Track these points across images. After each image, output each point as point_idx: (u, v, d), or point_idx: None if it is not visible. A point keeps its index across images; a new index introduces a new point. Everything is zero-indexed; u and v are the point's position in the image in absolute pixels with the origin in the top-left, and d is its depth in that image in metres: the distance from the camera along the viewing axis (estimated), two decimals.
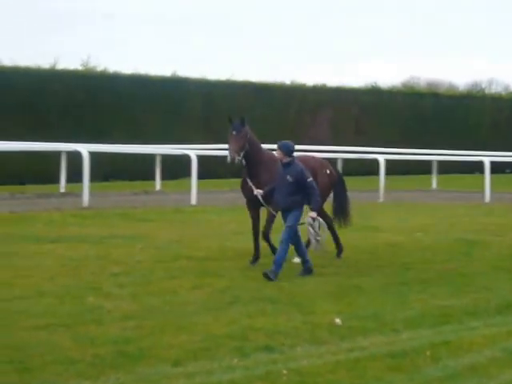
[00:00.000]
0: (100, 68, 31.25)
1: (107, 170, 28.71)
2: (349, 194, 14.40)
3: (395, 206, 23.79)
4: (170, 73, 32.98)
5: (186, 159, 24.14)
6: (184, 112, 32.10)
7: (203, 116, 32.72)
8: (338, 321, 9.11)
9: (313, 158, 14.15)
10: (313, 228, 12.13)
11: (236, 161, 12.69)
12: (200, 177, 23.73)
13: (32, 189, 25.56)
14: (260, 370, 7.23)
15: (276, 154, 12.22)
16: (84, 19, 53.40)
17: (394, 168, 30.83)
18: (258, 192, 12.62)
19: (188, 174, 23.58)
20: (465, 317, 9.60)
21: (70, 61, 43.35)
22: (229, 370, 7.24)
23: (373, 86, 39.40)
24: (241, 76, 35.30)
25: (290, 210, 11.94)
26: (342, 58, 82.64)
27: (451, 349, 8.15)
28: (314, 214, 12.06)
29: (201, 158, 24.57)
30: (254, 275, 11.98)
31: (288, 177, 11.87)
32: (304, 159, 13.43)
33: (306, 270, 12.15)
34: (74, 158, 23.00)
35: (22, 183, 27.38)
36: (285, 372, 7.20)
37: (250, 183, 12.88)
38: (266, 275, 11.56)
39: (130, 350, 7.82)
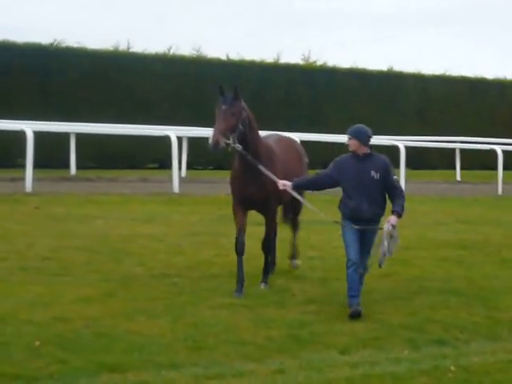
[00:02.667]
0: (319, 62, 31.10)
1: (323, 158, 28.61)
2: None
3: None
4: (386, 67, 32.33)
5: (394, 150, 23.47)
6: (399, 106, 31.37)
7: (418, 110, 31.89)
8: None
9: (292, 139, 10.41)
10: (391, 238, 8.42)
11: (221, 146, 8.59)
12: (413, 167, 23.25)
13: None
14: (427, 365, 6.69)
15: (350, 145, 8.64)
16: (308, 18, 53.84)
17: None
18: (283, 184, 8.79)
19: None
20: None
21: (292, 55, 43.50)
22: (395, 362, 6.74)
23: None
24: (456, 71, 33.86)
25: (373, 222, 8.51)
26: None
27: None
28: (395, 221, 8.44)
29: (413, 150, 23.99)
30: (446, 265, 11.28)
31: (372, 172, 8.46)
32: (285, 141, 10.17)
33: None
34: None
35: None
36: (452, 368, 6.61)
37: (269, 173, 8.90)
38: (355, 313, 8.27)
39: (301, 334, 7.48)
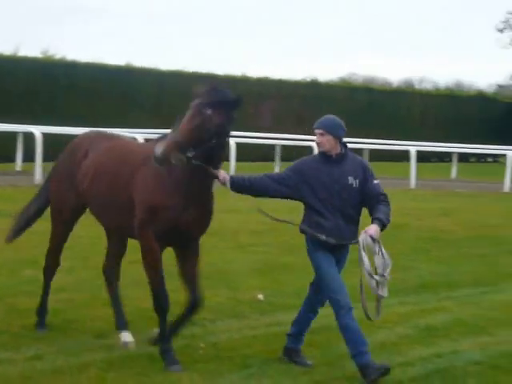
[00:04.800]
0: (58, 56, 30.59)
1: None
2: None
3: None
4: (124, 62, 32.45)
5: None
6: (137, 100, 31.55)
7: (155, 104, 32.23)
8: (260, 296, 8.82)
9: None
10: (371, 253, 6.31)
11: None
12: None
13: None
14: (178, 344, 6.89)
15: (323, 143, 6.33)
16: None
17: None
18: (223, 177, 6.46)
19: None
20: None
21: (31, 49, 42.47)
22: (148, 343, 6.89)
23: (312, 80, 39.13)
24: (192, 67, 34.62)
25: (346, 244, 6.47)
26: (288, 53, 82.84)
27: (364, 326, 7.82)
28: (374, 231, 6.30)
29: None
30: None
31: (350, 179, 6.32)
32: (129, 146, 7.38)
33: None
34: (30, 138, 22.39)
35: None
36: (202, 346, 6.89)
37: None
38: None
39: (56, 321, 7.50)
